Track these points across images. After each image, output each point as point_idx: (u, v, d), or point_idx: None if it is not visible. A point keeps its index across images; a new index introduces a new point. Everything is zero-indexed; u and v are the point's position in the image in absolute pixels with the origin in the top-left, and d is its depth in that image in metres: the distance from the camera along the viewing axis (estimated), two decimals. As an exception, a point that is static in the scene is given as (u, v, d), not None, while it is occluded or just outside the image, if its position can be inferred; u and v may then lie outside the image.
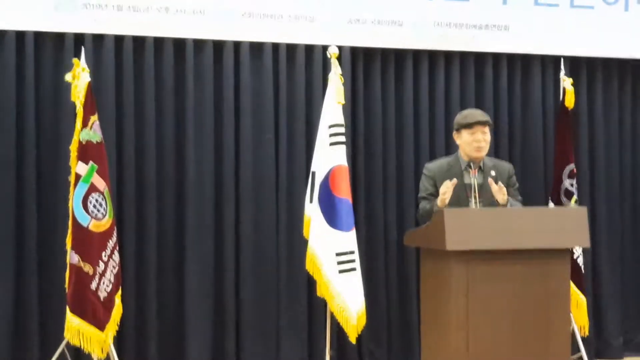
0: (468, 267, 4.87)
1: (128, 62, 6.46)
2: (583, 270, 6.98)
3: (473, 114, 5.61)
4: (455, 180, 5.29)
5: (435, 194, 5.51)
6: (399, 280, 7.01)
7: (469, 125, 5.48)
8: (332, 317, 6.14)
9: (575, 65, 7.46)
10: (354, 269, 6.08)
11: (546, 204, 6.97)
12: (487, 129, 5.53)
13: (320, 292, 6.11)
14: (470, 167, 5.56)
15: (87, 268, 5.66)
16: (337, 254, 6.04)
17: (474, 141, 5.48)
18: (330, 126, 6.15)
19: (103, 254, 5.72)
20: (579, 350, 6.82)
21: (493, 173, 5.54)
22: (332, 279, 6.03)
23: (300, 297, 6.74)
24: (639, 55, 7.55)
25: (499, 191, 5.36)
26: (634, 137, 7.71)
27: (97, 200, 5.72)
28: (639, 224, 7.68)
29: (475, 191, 5.47)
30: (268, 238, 6.75)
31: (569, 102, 6.98)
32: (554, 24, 7.29)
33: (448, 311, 4.90)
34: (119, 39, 6.45)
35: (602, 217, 7.52)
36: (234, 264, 6.66)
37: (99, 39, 6.40)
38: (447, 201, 5.31)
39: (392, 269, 7.01)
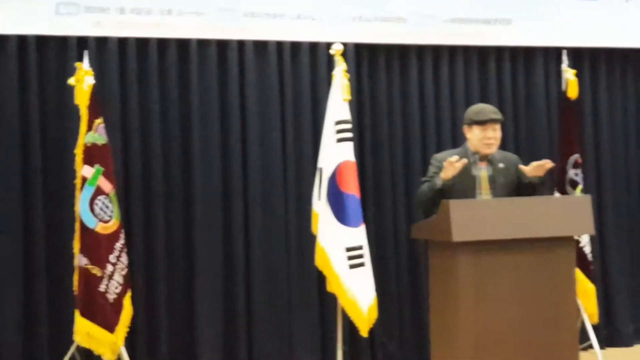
0: (475, 258, 4.87)
1: (132, 64, 6.48)
2: (590, 259, 6.99)
3: (485, 110, 5.57)
4: (465, 160, 5.26)
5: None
6: (409, 273, 7.04)
7: (481, 122, 5.48)
8: (344, 312, 6.16)
9: (578, 56, 7.47)
10: (363, 264, 6.10)
11: (552, 194, 6.97)
12: (498, 126, 5.53)
13: (330, 287, 6.14)
14: (479, 159, 5.54)
15: (96, 270, 5.70)
16: (347, 249, 6.06)
17: (485, 138, 5.47)
18: (337, 122, 6.17)
19: (111, 256, 5.76)
20: (588, 338, 6.84)
21: (502, 165, 5.55)
22: (342, 274, 6.05)
23: (311, 293, 6.74)
24: (638, 44, 7.56)
25: (537, 168, 5.37)
26: (639, 125, 7.71)
27: (103, 203, 5.76)
28: (645, 212, 7.70)
29: (484, 183, 5.47)
30: (277, 235, 6.77)
31: (572, 92, 7.00)
32: (555, 16, 7.32)
33: (456, 302, 4.90)
34: (122, 42, 6.46)
35: (609, 205, 7.54)
36: (244, 262, 6.68)
37: (102, 42, 6.41)
38: (449, 175, 5.31)
39: (402, 262, 7.03)
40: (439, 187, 5.32)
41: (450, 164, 5.24)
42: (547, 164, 5.39)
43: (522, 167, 5.48)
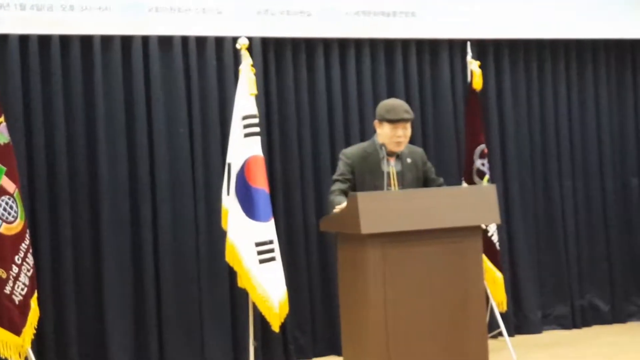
0: (384, 249, 4.88)
1: (34, 61, 6.38)
2: (498, 247, 7.11)
3: (397, 109, 5.52)
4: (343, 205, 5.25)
5: (352, 179, 5.49)
6: (320, 267, 7.07)
7: (392, 121, 5.48)
8: (255, 307, 6.15)
9: (482, 48, 7.58)
10: (274, 259, 6.09)
11: (459, 184, 7.06)
12: (408, 125, 5.54)
13: (241, 282, 6.12)
14: (387, 154, 5.54)
15: (0, 272, 5.58)
16: (257, 244, 6.04)
17: (394, 136, 5.48)
18: (244, 117, 6.15)
19: (16, 257, 5.63)
20: (498, 326, 6.95)
21: (409, 160, 5.58)
22: (252, 269, 6.04)
23: (221, 288, 6.74)
24: (542, 35, 7.70)
25: None
26: (542, 115, 7.88)
27: (7, 203, 5.63)
28: (551, 200, 7.85)
29: (393, 179, 5.50)
30: (187, 231, 6.74)
31: (477, 84, 7.09)
32: (459, 9, 7.43)
33: (366, 294, 4.90)
34: (23, 39, 6.36)
35: (515, 194, 7.68)
36: (153, 259, 6.63)
37: (2, 39, 6.30)
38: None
39: (313, 256, 7.06)
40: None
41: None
42: None
43: None
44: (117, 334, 6.49)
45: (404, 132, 5.50)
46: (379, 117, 5.53)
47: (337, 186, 5.49)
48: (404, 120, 5.48)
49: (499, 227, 7.14)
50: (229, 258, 6.08)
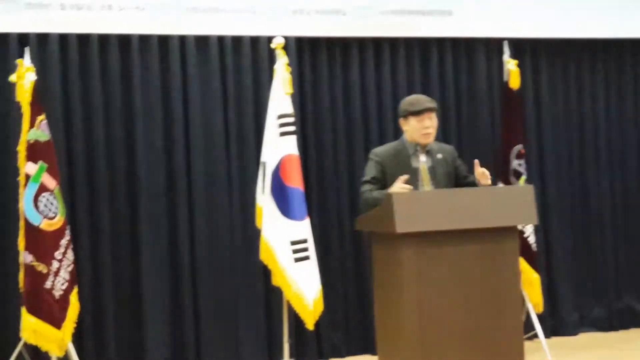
0: (418, 249, 4.87)
1: (73, 60, 6.45)
2: (535, 249, 7.07)
3: (420, 100, 5.56)
4: (405, 177, 5.24)
5: (381, 179, 5.47)
6: (354, 266, 7.08)
7: (417, 113, 5.47)
8: (289, 305, 6.17)
9: (519, 47, 7.54)
10: (308, 257, 6.11)
11: (495, 185, 7.03)
12: (434, 115, 5.53)
13: (275, 281, 6.14)
14: (417, 151, 5.54)
15: (41, 267, 5.67)
16: (292, 243, 6.07)
17: (422, 128, 5.46)
18: (279, 116, 6.17)
19: (56, 252, 5.72)
20: (534, 328, 6.92)
21: (440, 155, 5.56)
22: (287, 267, 6.06)
23: (256, 286, 6.77)
24: (580, 34, 7.65)
25: (484, 175, 5.37)
26: (580, 115, 7.82)
27: (47, 199, 5.72)
28: (588, 200, 7.79)
29: (424, 174, 5.48)
30: (222, 230, 6.78)
31: (514, 83, 7.08)
32: (495, 8, 7.39)
33: (400, 294, 4.91)
34: (63, 38, 6.43)
35: (553, 195, 7.63)
36: (189, 257, 6.68)
37: (43, 38, 6.37)
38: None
39: (347, 255, 7.07)
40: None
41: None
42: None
43: (477, 164, 5.46)
44: (155, 328, 6.56)
45: (431, 122, 5.47)
46: (403, 113, 5.51)
47: (367, 187, 5.47)
48: (429, 110, 5.46)
49: (535, 228, 7.10)
50: (263, 256, 6.11)
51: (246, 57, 6.85)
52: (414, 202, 4.98)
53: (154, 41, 6.64)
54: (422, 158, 5.47)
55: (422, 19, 7.20)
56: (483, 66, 7.48)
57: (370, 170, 5.51)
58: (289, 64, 6.26)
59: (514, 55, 7.27)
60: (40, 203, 5.70)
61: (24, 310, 5.70)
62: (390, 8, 7.11)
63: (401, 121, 5.55)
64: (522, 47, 7.57)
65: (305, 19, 6.92)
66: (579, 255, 7.76)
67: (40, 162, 5.72)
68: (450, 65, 7.40)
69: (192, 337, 6.67)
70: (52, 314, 5.68)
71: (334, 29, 7.01)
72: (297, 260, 6.06)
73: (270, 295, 6.73)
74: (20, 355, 5.88)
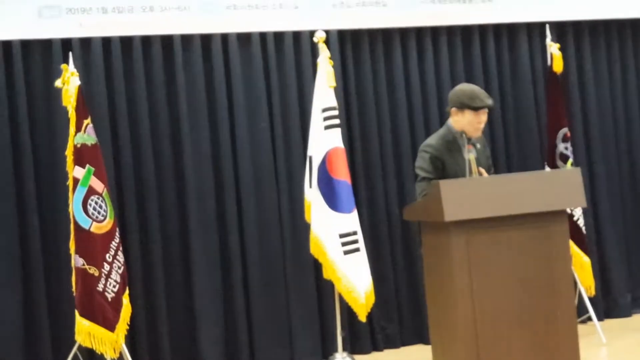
0: (468, 236, 4.86)
1: (117, 63, 6.48)
2: (585, 232, 7.03)
3: (479, 96, 5.40)
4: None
5: (439, 175, 5.37)
6: (404, 256, 7.07)
7: (476, 109, 5.42)
8: (341, 298, 6.19)
9: (561, 30, 7.49)
10: (358, 249, 6.14)
11: (542, 169, 7.00)
12: (486, 111, 5.51)
13: (326, 274, 6.17)
14: (466, 142, 5.49)
15: (93, 270, 5.73)
16: (341, 236, 6.10)
17: (477, 122, 5.43)
18: (324, 110, 6.20)
19: (107, 255, 5.78)
20: (587, 311, 6.88)
21: (479, 145, 5.55)
22: (337, 260, 6.09)
23: (307, 281, 6.77)
24: (622, 14, 7.58)
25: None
26: (625, 95, 7.75)
27: (96, 203, 5.77)
28: (637, 181, 7.72)
29: (474, 165, 5.45)
30: (271, 226, 6.79)
31: (557, 66, 7.02)
32: (536, -9, 7.34)
33: (452, 282, 4.90)
34: (106, 41, 6.47)
35: (601, 177, 7.57)
36: (240, 255, 6.70)
37: (86, 42, 6.42)
38: None
39: (396, 246, 7.06)
40: None
41: None
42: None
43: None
44: (208, 327, 6.58)
45: (485, 117, 5.47)
46: (459, 104, 5.40)
47: (425, 184, 5.33)
48: (488, 107, 5.44)
49: (584, 211, 7.05)
50: (313, 250, 6.13)
51: (289, 52, 6.85)
52: (461, 189, 4.96)
53: (197, 41, 6.67)
54: (471, 148, 5.44)
55: (463, 7, 7.17)
56: (525, 51, 7.44)
57: (427, 165, 5.38)
58: (331, 58, 6.27)
59: (556, 39, 7.22)
60: (89, 207, 5.75)
61: (77, 313, 5.76)
62: (431, -2, 7.11)
63: (453, 110, 5.43)
64: (565, 30, 7.51)
65: (346, 12, 6.91)
66: (630, 236, 7.70)
67: (87, 166, 5.78)
68: (492, 52, 7.37)
69: (245, 335, 6.68)
70: (105, 317, 5.74)
71: (376, 20, 6.99)
72: (347, 252, 6.08)
73: (322, 289, 6.73)
74: (75, 357, 5.94)
